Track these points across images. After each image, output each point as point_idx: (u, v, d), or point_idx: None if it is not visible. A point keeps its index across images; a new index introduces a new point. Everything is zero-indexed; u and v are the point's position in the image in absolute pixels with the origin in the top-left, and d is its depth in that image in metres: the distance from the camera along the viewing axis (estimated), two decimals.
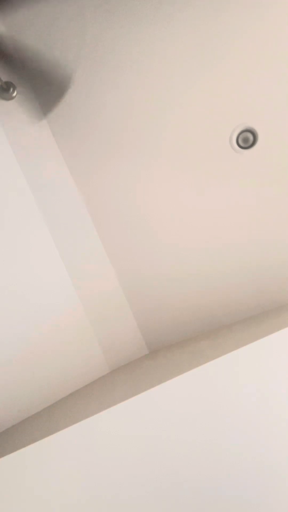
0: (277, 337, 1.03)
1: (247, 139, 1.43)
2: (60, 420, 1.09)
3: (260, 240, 1.49)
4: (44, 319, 1.45)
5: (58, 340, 1.46)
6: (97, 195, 1.59)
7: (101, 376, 1.53)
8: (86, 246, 1.61)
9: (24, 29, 1.45)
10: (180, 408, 1.01)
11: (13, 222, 1.47)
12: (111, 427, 1.00)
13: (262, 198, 1.47)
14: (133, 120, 1.49)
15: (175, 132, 1.47)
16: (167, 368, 1.18)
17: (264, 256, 1.49)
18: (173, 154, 1.50)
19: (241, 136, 1.43)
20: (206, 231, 1.54)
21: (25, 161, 1.53)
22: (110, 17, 1.39)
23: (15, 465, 0.98)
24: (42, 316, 1.45)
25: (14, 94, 1.51)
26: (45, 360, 1.42)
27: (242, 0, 1.29)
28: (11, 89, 1.50)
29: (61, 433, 0.99)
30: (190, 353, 1.26)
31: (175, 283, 1.59)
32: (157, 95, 1.44)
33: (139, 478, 1.00)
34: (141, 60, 1.42)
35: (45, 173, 1.56)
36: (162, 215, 1.57)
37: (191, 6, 1.33)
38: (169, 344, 1.61)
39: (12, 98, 1.51)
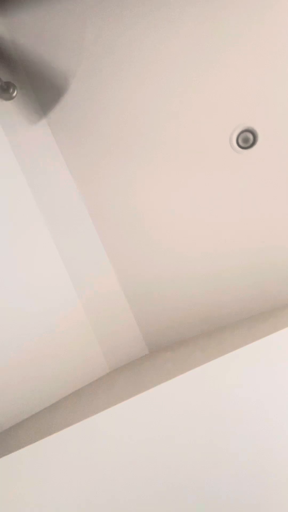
0: (277, 337, 1.03)
1: (247, 139, 1.43)
2: (60, 420, 1.09)
3: (260, 240, 1.49)
4: (45, 320, 1.45)
5: (58, 340, 1.46)
6: (97, 195, 1.59)
7: (101, 376, 1.53)
8: (86, 247, 1.61)
9: (24, 30, 1.45)
10: (180, 408, 1.01)
11: (13, 222, 1.47)
12: (111, 427, 1.00)
13: (262, 198, 1.47)
14: (133, 120, 1.49)
15: (175, 132, 1.47)
16: (167, 368, 1.18)
17: (264, 256, 1.49)
18: (173, 154, 1.50)
19: (241, 136, 1.43)
20: (206, 232, 1.54)
21: (25, 161, 1.53)
22: (110, 18, 1.39)
23: (14, 465, 0.98)
24: (43, 317, 1.45)
25: (14, 94, 1.51)
26: (45, 360, 1.42)
27: (242, 1, 1.29)
28: (11, 89, 1.50)
29: (61, 433, 0.99)
30: (189, 353, 1.26)
31: (175, 283, 1.59)
32: (157, 95, 1.44)
33: (139, 478, 1.00)
34: (141, 61, 1.42)
35: (45, 173, 1.56)
36: (162, 215, 1.57)
37: (191, 6, 1.33)
38: (169, 344, 1.61)
39: (12, 98, 1.51)
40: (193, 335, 1.58)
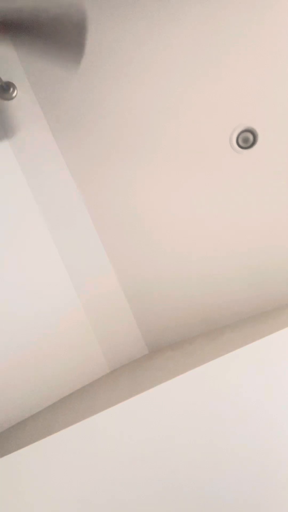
0: (277, 337, 1.03)
1: (247, 139, 1.43)
2: (60, 420, 1.09)
3: (260, 240, 1.49)
4: (45, 320, 1.45)
5: (59, 340, 1.46)
6: (97, 195, 1.59)
7: (101, 376, 1.53)
8: (86, 247, 1.61)
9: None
10: (180, 408, 1.01)
11: (13, 222, 1.47)
12: (111, 427, 1.00)
13: (262, 198, 1.47)
14: (133, 120, 1.49)
15: (175, 132, 1.47)
16: (167, 368, 1.18)
17: (264, 256, 1.49)
18: (173, 154, 1.50)
19: (241, 136, 1.43)
20: (206, 231, 1.54)
21: (25, 161, 1.53)
22: (111, 18, 1.39)
23: (15, 465, 0.98)
24: (43, 317, 1.45)
25: (14, 94, 1.51)
26: (46, 360, 1.42)
27: (242, 1, 1.29)
28: (11, 89, 1.50)
29: (61, 433, 0.99)
30: (190, 353, 1.26)
31: (175, 283, 1.59)
32: (158, 95, 1.44)
33: (139, 478, 1.00)
34: (141, 61, 1.42)
35: (45, 173, 1.56)
36: (162, 215, 1.57)
37: (192, 7, 1.33)
38: (169, 344, 1.61)
39: (12, 98, 1.51)
40: (193, 335, 1.58)
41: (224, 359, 1.02)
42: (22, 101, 1.53)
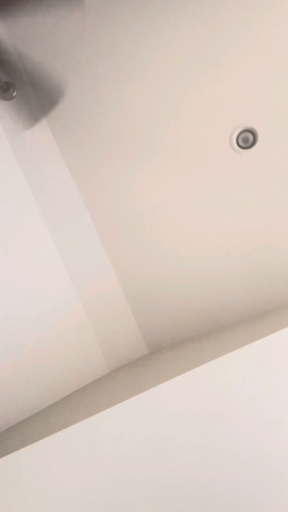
0: (277, 337, 1.03)
1: (247, 139, 1.43)
2: (60, 420, 1.09)
3: (260, 240, 1.49)
4: (45, 320, 1.45)
5: (58, 340, 1.46)
6: (97, 195, 1.59)
7: (101, 376, 1.53)
8: (86, 247, 1.61)
9: (24, 34, 1.45)
10: (180, 408, 1.01)
11: (13, 222, 1.47)
12: (111, 427, 1.00)
13: (262, 198, 1.47)
14: (133, 121, 1.49)
15: (175, 132, 1.47)
16: (167, 368, 1.18)
17: (264, 256, 1.49)
18: (173, 154, 1.50)
19: (241, 136, 1.43)
20: (206, 231, 1.54)
21: (25, 161, 1.53)
22: (111, 18, 1.39)
23: (15, 465, 0.98)
24: (43, 317, 1.45)
25: (14, 94, 1.51)
26: (46, 360, 1.42)
27: (242, 1, 1.29)
28: (11, 89, 1.50)
29: (61, 433, 0.99)
30: (190, 353, 1.26)
31: (175, 283, 1.59)
32: (158, 95, 1.44)
33: (139, 478, 1.00)
34: (141, 61, 1.42)
35: (45, 173, 1.56)
36: (162, 215, 1.57)
37: (192, 7, 1.33)
38: (169, 344, 1.61)
39: (12, 98, 1.51)
40: (193, 335, 1.58)
41: (224, 359, 1.02)
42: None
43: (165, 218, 1.56)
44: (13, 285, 1.41)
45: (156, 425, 1.01)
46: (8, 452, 0.99)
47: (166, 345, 1.62)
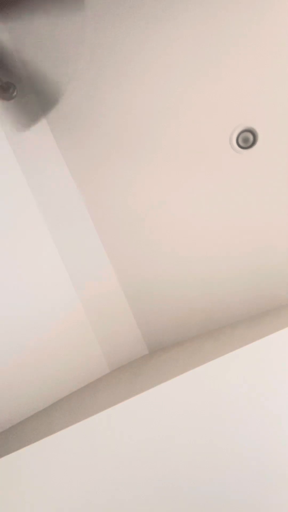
0: (277, 337, 1.03)
1: (247, 139, 1.43)
2: (60, 420, 1.09)
3: (260, 240, 1.49)
4: (45, 320, 1.45)
5: (59, 340, 1.46)
6: (97, 195, 1.59)
7: (101, 376, 1.53)
8: (86, 247, 1.61)
9: (25, 35, 1.45)
10: (180, 408, 1.01)
11: (13, 222, 1.47)
12: (111, 427, 1.00)
13: (262, 198, 1.47)
14: (133, 121, 1.49)
15: (175, 132, 1.47)
16: (167, 368, 1.18)
17: (264, 256, 1.49)
18: (173, 154, 1.50)
19: (241, 136, 1.43)
20: (206, 231, 1.54)
21: (25, 161, 1.53)
22: (111, 19, 1.39)
23: (15, 465, 0.98)
24: (43, 317, 1.45)
25: (14, 94, 1.51)
26: (46, 360, 1.42)
27: (242, 0, 1.29)
28: (11, 89, 1.50)
29: (61, 433, 0.99)
30: (190, 353, 1.26)
31: (175, 283, 1.59)
32: (158, 95, 1.44)
33: (139, 478, 1.00)
34: (141, 61, 1.42)
35: (45, 173, 1.56)
36: (162, 215, 1.57)
37: (192, 7, 1.33)
38: (169, 344, 1.61)
39: (12, 98, 1.51)
40: (193, 335, 1.58)
41: (224, 359, 1.02)
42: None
43: (165, 218, 1.56)
44: (13, 285, 1.41)
45: (156, 425, 1.01)
46: (8, 452, 0.99)
47: (166, 345, 1.62)
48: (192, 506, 1.01)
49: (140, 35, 1.39)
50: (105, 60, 1.44)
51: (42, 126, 1.55)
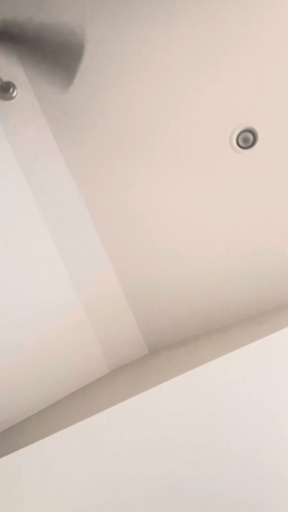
0: (277, 337, 1.03)
1: (247, 139, 1.43)
2: (60, 420, 1.09)
3: (260, 240, 1.49)
4: (45, 320, 1.45)
5: (58, 340, 1.46)
6: (97, 195, 1.59)
7: (101, 376, 1.53)
8: (86, 247, 1.61)
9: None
10: (180, 408, 1.01)
11: (13, 222, 1.47)
12: (111, 427, 1.00)
13: (262, 198, 1.47)
14: (133, 121, 1.49)
15: (175, 132, 1.47)
16: (167, 368, 1.18)
17: (264, 256, 1.49)
18: (173, 154, 1.50)
19: (241, 136, 1.43)
20: (206, 232, 1.54)
21: (25, 161, 1.53)
22: (111, 19, 1.39)
23: (15, 465, 0.98)
24: (43, 317, 1.45)
25: (14, 94, 1.51)
26: (45, 360, 1.42)
27: (241, 1, 1.29)
28: (11, 89, 1.50)
29: (61, 433, 0.99)
30: (190, 353, 1.26)
31: (175, 283, 1.59)
32: (158, 95, 1.44)
33: (139, 478, 1.00)
34: (141, 61, 1.42)
35: (45, 173, 1.56)
36: (162, 216, 1.57)
37: (192, 7, 1.33)
38: (169, 344, 1.61)
39: (12, 98, 1.51)
40: (193, 335, 1.58)
41: (224, 359, 1.02)
42: (22, 101, 1.53)
43: (165, 218, 1.56)
44: (13, 285, 1.41)
45: (156, 425, 1.01)
46: (8, 452, 0.99)
47: (166, 345, 1.62)
48: (192, 506, 1.01)
49: (140, 35, 1.39)
50: (105, 60, 1.44)
51: (42, 126, 1.55)
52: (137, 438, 1.00)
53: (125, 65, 1.43)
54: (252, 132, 1.42)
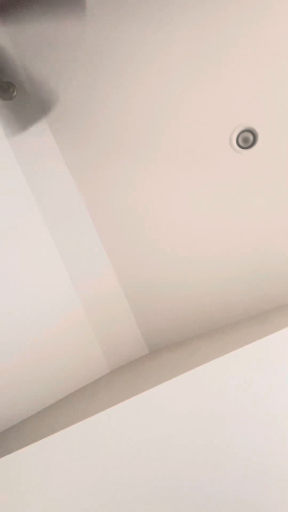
0: (277, 337, 1.03)
1: (247, 139, 1.43)
2: (60, 420, 1.09)
3: (260, 240, 1.49)
4: (45, 320, 1.45)
5: (58, 340, 1.46)
6: (97, 195, 1.59)
7: (101, 376, 1.53)
8: (86, 246, 1.61)
9: (25, 34, 1.44)
10: (180, 408, 1.01)
11: (13, 222, 1.47)
12: (111, 427, 1.00)
13: (262, 198, 1.47)
14: (133, 121, 1.49)
15: (175, 132, 1.47)
16: (167, 368, 1.18)
17: (264, 256, 1.49)
18: (174, 154, 1.50)
19: (241, 136, 1.43)
20: (206, 232, 1.54)
21: (25, 162, 1.53)
22: (111, 19, 1.39)
23: (15, 465, 0.98)
24: (43, 317, 1.45)
25: (14, 94, 1.51)
26: (45, 360, 1.42)
27: (241, 1, 1.29)
28: (11, 89, 1.50)
29: (61, 433, 0.99)
30: (190, 353, 1.26)
31: (175, 283, 1.59)
32: (158, 95, 1.44)
33: (139, 478, 1.00)
34: (141, 61, 1.42)
35: (45, 173, 1.56)
36: (162, 216, 1.57)
37: (191, 7, 1.33)
38: (169, 344, 1.61)
39: (12, 98, 1.51)
40: (193, 335, 1.58)
41: (224, 359, 1.02)
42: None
43: (165, 218, 1.56)
44: (13, 285, 1.41)
45: (156, 425, 1.01)
46: (8, 452, 0.99)
47: (166, 345, 1.62)
48: (192, 506, 1.01)
49: (140, 35, 1.39)
50: (105, 60, 1.44)
51: (42, 126, 1.55)
52: (137, 438, 1.00)
53: (125, 65, 1.43)
54: (252, 132, 1.42)
